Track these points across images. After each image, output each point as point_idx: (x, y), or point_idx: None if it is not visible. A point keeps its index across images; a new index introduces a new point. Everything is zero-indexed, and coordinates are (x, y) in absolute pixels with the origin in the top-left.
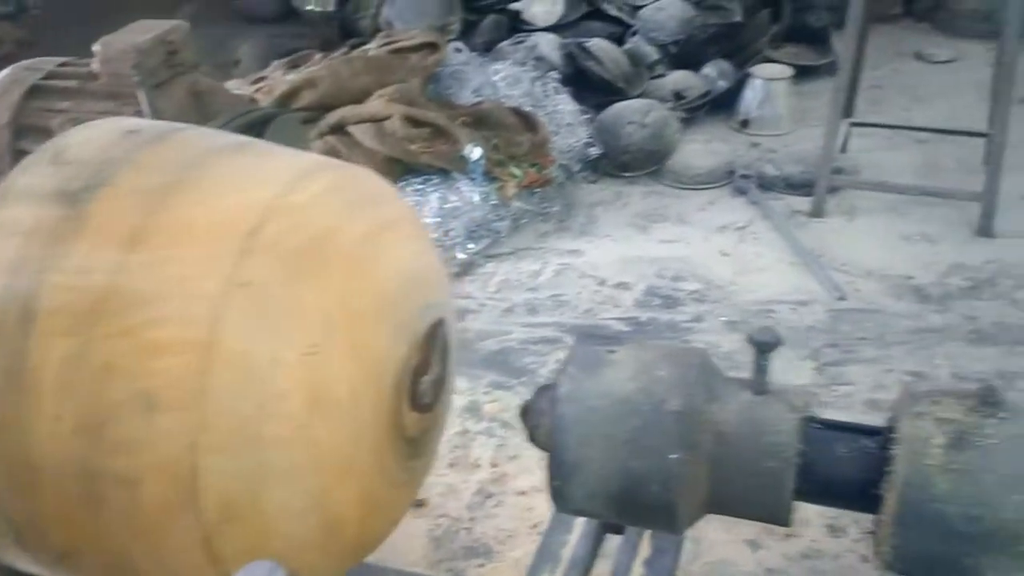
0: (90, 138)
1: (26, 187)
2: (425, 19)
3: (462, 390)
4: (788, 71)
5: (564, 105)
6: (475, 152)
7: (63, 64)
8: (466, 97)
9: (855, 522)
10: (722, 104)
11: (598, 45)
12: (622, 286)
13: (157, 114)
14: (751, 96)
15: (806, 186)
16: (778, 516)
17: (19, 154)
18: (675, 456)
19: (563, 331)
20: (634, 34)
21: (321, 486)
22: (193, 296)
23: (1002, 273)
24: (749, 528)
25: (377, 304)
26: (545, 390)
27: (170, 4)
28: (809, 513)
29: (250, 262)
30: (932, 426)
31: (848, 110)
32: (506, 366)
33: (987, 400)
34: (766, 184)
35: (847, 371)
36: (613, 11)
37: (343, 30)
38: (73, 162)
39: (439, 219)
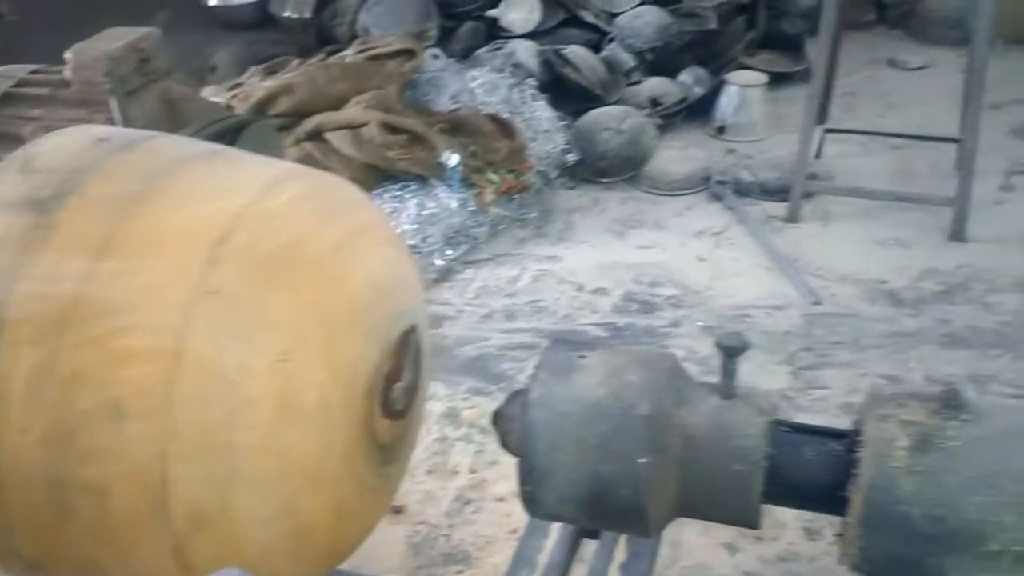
0: (60, 146)
1: None
2: (402, 26)
3: (440, 396)
4: (763, 78)
5: (541, 112)
6: (453, 159)
7: (35, 71)
8: (443, 104)
9: (831, 525)
10: (698, 110)
11: (575, 52)
12: (600, 292)
13: (129, 122)
14: (727, 102)
15: (781, 192)
16: (747, 519)
17: None
18: (644, 460)
19: (541, 337)
20: (611, 41)
21: (292, 493)
22: (161, 305)
23: (974, 277)
24: (726, 532)
25: (348, 311)
26: (517, 395)
27: (146, 11)
28: (786, 516)
29: (218, 270)
30: (896, 429)
31: (822, 116)
32: (484, 372)
33: (950, 403)
34: (742, 190)
35: (822, 375)
36: (590, 18)
37: (320, 37)
38: (42, 170)
39: (417, 225)
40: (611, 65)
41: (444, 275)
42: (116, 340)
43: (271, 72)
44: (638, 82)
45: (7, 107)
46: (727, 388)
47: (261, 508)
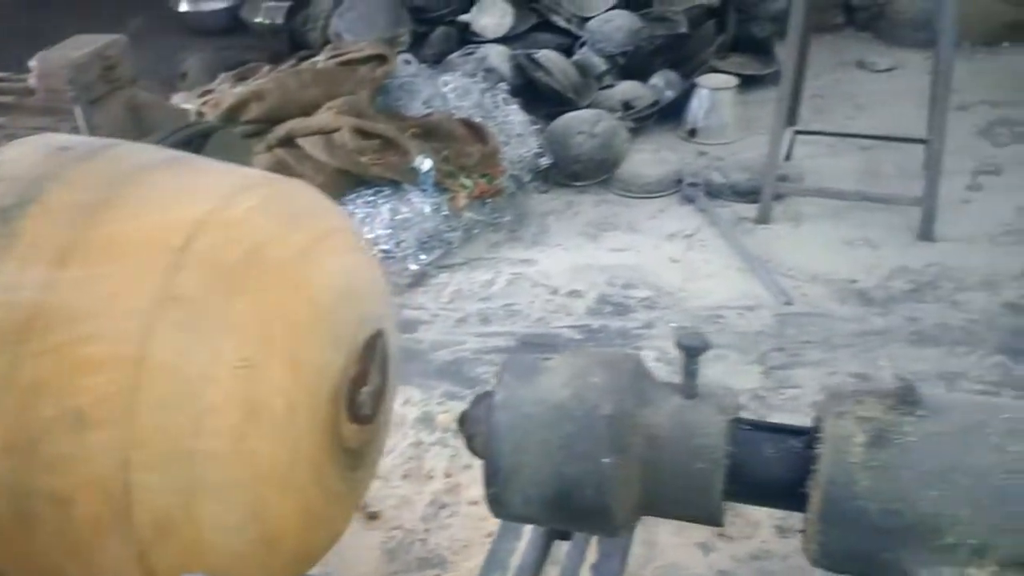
0: (22, 154)
1: None
2: (374, 31)
3: (415, 401)
4: (733, 81)
5: (514, 116)
6: (425, 163)
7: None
8: (416, 109)
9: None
10: (670, 114)
11: (547, 56)
12: (574, 294)
13: (94, 129)
14: (698, 105)
15: (752, 193)
16: (709, 516)
17: None
18: (608, 460)
19: (516, 340)
20: (582, 45)
21: (257, 499)
22: (123, 312)
23: (943, 276)
24: (700, 531)
25: (312, 316)
26: (482, 398)
27: (117, 18)
28: (759, 515)
29: (180, 277)
30: (853, 425)
31: (792, 118)
32: (459, 376)
33: (905, 399)
34: (714, 192)
35: (794, 374)
36: (562, 23)
37: (292, 42)
38: (4, 179)
39: (390, 230)
40: (583, 69)
41: (418, 280)
42: (78, 348)
43: (242, 78)
44: (610, 86)
45: None
46: (689, 388)
47: (226, 515)
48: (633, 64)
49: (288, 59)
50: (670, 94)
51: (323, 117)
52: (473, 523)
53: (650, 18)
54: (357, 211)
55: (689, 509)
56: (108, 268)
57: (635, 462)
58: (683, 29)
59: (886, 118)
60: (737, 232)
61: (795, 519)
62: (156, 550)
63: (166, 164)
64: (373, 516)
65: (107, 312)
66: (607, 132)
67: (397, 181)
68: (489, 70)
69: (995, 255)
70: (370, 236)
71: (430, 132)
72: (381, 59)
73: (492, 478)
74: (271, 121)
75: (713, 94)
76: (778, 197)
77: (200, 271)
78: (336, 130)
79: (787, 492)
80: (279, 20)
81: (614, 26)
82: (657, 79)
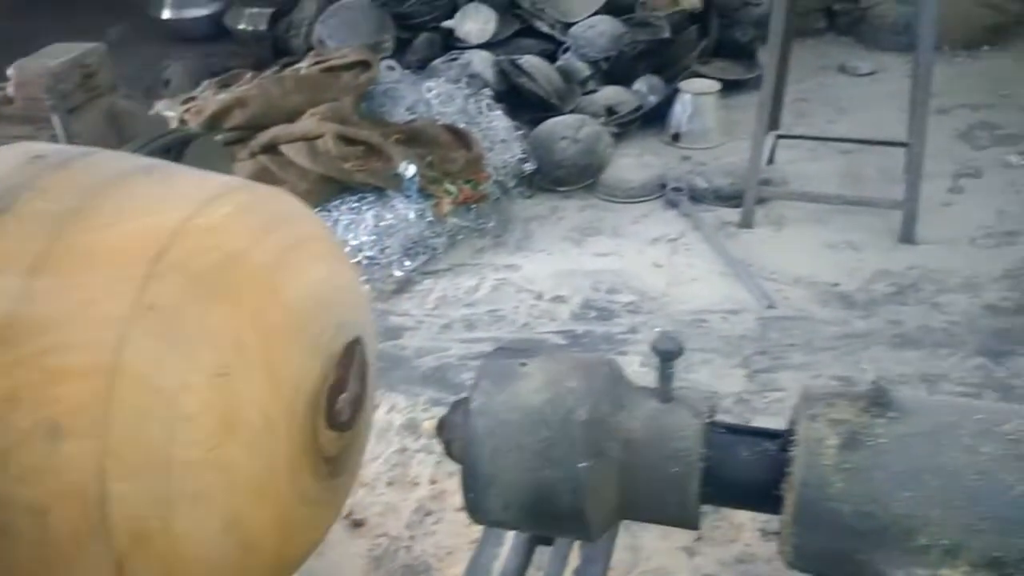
0: None
1: None
2: (358, 37)
3: (400, 408)
4: (716, 85)
5: (498, 121)
6: (409, 169)
7: None
8: (400, 115)
9: None
10: (653, 118)
11: (531, 62)
12: (559, 300)
13: (72, 138)
14: (681, 110)
15: (735, 198)
16: (686, 520)
17: None
18: (584, 465)
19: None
20: (566, 51)
21: (235, 509)
22: (97, 321)
23: (924, 278)
24: (685, 535)
25: (289, 324)
26: (459, 404)
27: (99, 25)
28: (743, 519)
29: (156, 285)
30: (826, 428)
31: (774, 123)
32: (444, 382)
33: (877, 401)
34: (697, 196)
35: (777, 377)
36: (545, 28)
37: (275, 49)
38: None
39: (375, 237)
40: (566, 74)
41: (403, 286)
42: (52, 358)
43: (225, 85)
44: (593, 91)
45: None
46: (664, 392)
47: (204, 524)
48: (616, 69)
49: (271, 66)
50: (653, 99)
51: (306, 123)
52: (459, 530)
53: (633, 23)
54: (341, 217)
55: (666, 512)
56: (83, 277)
57: (611, 466)
58: (666, 34)
59: (867, 122)
60: (720, 236)
61: (778, 522)
62: (133, 560)
63: (142, 172)
64: (358, 524)
65: (82, 321)
66: (591, 137)
67: (381, 187)
68: (473, 76)
69: (976, 257)
70: (354, 242)
71: (414, 138)
72: (364, 65)
73: (470, 484)
74: (254, 128)
75: (696, 99)
76: (761, 201)
77: (175, 280)
78: (320, 136)
79: (763, 495)
80: (262, 27)
81: (597, 31)
82: (640, 84)
